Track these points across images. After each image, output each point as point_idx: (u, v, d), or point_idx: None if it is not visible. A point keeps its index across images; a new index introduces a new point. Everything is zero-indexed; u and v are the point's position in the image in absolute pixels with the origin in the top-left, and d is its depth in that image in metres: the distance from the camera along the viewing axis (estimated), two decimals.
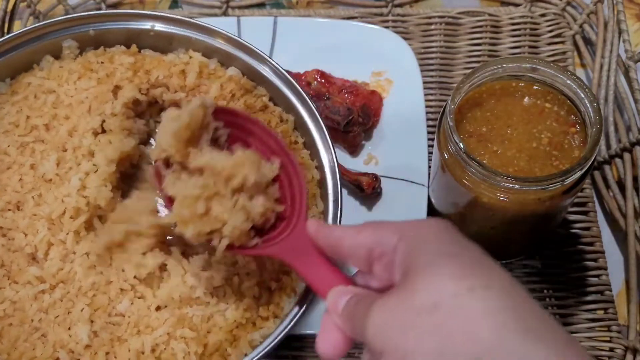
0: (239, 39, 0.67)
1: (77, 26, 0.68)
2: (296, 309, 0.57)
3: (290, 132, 0.67)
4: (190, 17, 0.72)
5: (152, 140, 0.69)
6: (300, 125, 0.67)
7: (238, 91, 0.67)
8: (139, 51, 0.69)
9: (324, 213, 0.62)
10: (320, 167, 0.64)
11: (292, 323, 0.56)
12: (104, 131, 0.64)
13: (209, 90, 0.66)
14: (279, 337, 0.56)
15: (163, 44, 0.69)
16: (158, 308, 0.57)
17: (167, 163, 0.54)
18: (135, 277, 0.58)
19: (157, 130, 0.56)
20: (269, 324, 0.58)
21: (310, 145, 0.66)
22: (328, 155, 0.64)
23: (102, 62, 0.67)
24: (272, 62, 0.66)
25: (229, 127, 0.57)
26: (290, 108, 0.67)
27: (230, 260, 0.58)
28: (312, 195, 0.62)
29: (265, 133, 0.57)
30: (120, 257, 0.58)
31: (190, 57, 0.68)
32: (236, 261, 0.59)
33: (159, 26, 0.69)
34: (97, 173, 0.61)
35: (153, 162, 0.55)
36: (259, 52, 0.67)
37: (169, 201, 0.52)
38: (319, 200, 0.63)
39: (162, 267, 0.58)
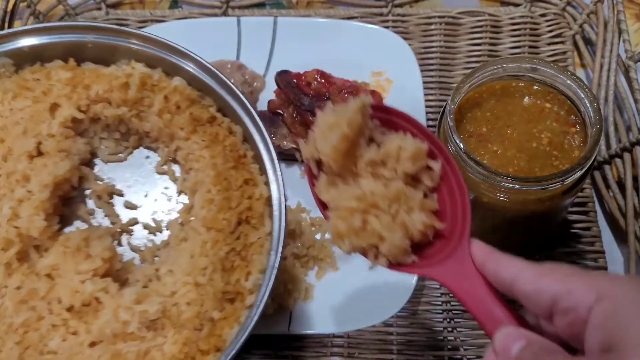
0: (183, 49, 0.64)
1: (10, 42, 0.64)
2: (240, 340, 0.53)
3: (239, 145, 0.63)
4: (137, 28, 0.69)
5: (95, 160, 0.67)
6: (247, 138, 0.64)
7: (184, 102, 0.64)
8: (78, 65, 0.65)
9: (271, 234, 0.59)
10: (268, 184, 0.61)
11: (232, 353, 0.52)
12: (40, 154, 0.61)
13: (152, 102, 0.63)
14: None
15: (105, 56, 0.66)
16: (92, 344, 0.54)
17: (320, 161, 0.48)
18: (68, 309, 0.55)
19: (313, 130, 0.47)
20: (209, 359, 0.54)
21: (258, 159, 0.63)
22: (274, 171, 0.60)
23: (38, 79, 0.63)
24: (217, 72, 0.64)
25: (383, 126, 0.51)
26: (238, 119, 0.64)
27: (168, 289, 0.56)
28: (259, 215, 0.59)
29: (423, 133, 0.49)
30: (61, 277, 0.56)
31: (133, 68, 0.64)
32: (175, 291, 0.56)
33: (97, 38, 0.65)
34: (30, 201, 0.57)
35: (304, 159, 0.50)
36: (203, 61, 0.64)
37: (322, 205, 0.49)
38: (267, 219, 0.59)
39: (98, 300, 0.55)
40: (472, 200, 0.59)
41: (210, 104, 0.65)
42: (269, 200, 0.60)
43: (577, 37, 0.84)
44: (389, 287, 0.67)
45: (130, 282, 0.59)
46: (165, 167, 0.67)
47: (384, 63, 0.80)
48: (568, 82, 0.57)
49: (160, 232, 0.65)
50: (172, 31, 0.84)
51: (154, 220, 0.65)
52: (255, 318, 0.54)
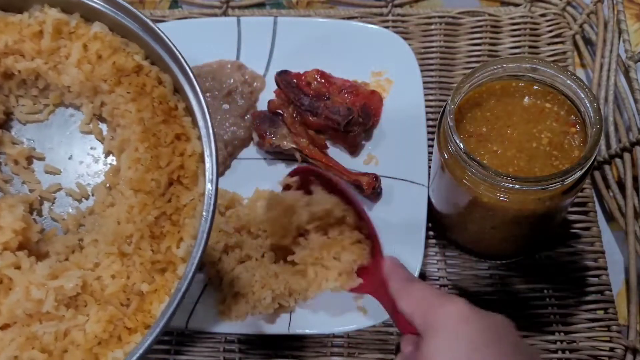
0: None
1: None
2: (165, 315, 0.48)
3: (169, 96, 0.58)
4: None
5: (12, 122, 0.61)
6: (178, 89, 0.58)
7: (105, 51, 0.57)
8: None
9: (204, 195, 0.54)
10: (201, 139, 0.56)
11: (157, 331, 0.48)
12: None
13: (70, 52, 0.57)
14: (141, 351, 0.48)
15: (16, 2, 0.58)
16: (4, 327, 0.49)
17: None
18: None
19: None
20: (136, 337, 0.50)
21: (190, 111, 0.57)
22: (205, 124, 0.55)
23: None
24: (141, 15, 0.57)
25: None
26: (166, 68, 0.58)
27: (90, 261, 0.52)
28: (192, 173, 0.55)
29: (335, 189, 0.64)
30: None
31: (46, 14, 0.57)
32: (98, 263, 0.51)
33: None
34: None
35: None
36: (125, 4, 0.57)
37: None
38: (200, 179, 0.55)
39: (8, 277, 0.51)
40: (472, 201, 0.59)
41: (136, 50, 0.59)
42: (202, 157, 0.55)
43: (577, 37, 0.84)
44: None
45: (51, 255, 0.54)
46: (90, 125, 0.60)
47: (384, 63, 0.80)
48: (568, 82, 0.57)
49: (87, 198, 0.59)
50: (172, 31, 0.83)
51: (79, 185, 0.59)
52: (183, 289, 0.49)
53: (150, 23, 0.57)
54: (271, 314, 0.66)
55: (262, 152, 0.78)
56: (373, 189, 0.71)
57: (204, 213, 0.52)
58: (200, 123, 0.55)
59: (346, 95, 0.76)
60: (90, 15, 0.59)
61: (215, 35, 0.83)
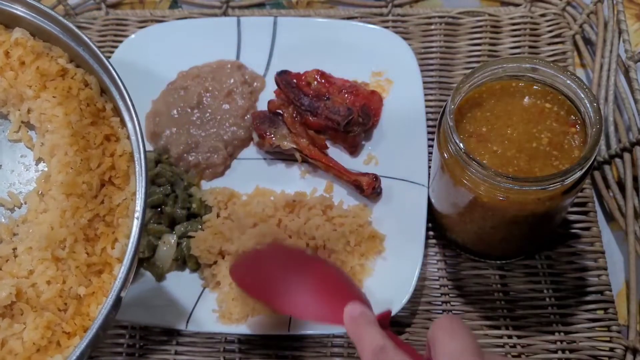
0: None
1: None
2: (102, 315, 0.48)
3: (97, 98, 0.57)
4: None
5: None
6: (105, 90, 0.57)
7: (28, 56, 0.56)
8: None
9: (135, 194, 0.54)
10: (130, 138, 0.56)
11: (93, 333, 0.47)
12: None
13: None
14: (78, 354, 0.47)
15: None
16: None
17: None
18: None
19: None
20: (75, 341, 0.49)
21: (117, 111, 0.57)
22: (132, 123, 0.55)
23: None
24: (61, 19, 0.57)
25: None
26: (91, 70, 0.57)
27: (24, 269, 0.51)
28: (123, 173, 0.55)
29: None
30: None
31: None
32: (32, 270, 0.51)
33: None
34: None
35: None
36: (46, 9, 0.57)
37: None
38: (132, 178, 0.55)
39: None
40: (472, 201, 0.59)
41: (60, 54, 0.58)
42: (132, 156, 0.55)
43: (577, 37, 0.84)
44: (389, 287, 0.67)
45: None
46: (19, 133, 0.59)
47: (384, 63, 0.80)
48: (568, 82, 0.57)
49: (20, 207, 0.58)
50: (172, 31, 0.84)
51: (11, 194, 0.58)
52: (117, 289, 0.48)
53: (71, 26, 0.56)
54: (271, 314, 0.66)
55: (262, 152, 0.78)
56: (373, 189, 0.71)
57: (136, 212, 0.51)
58: (128, 122, 0.55)
59: (346, 95, 0.76)
60: (10, 22, 0.58)
61: (215, 35, 0.83)
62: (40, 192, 0.57)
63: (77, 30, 0.56)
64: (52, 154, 0.56)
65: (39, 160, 0.59)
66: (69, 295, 0.51)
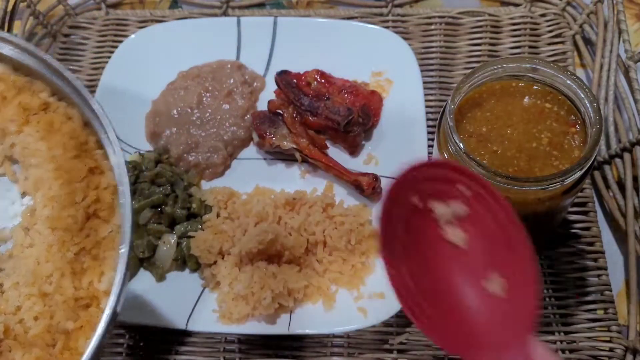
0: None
1: None
2: (90, 348, 0.47)
3: (79, 131, 0.57)
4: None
5: None
6: (88, 122, 0.57)
7: (10, 91, 0.56)
8: None
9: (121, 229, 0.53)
10: (113, 170, 0.55)
11: None
12: None
13: None
14: None
15: None
16: None
17: None
18: None
19: None
20: None
21: (100, 144, 0.56)
22: (116, 156, 0.54)
23: None
24: (41, 54, 0.57)
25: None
26: (73, 103, 0.57)
27: (11, 305, 0.51)
28: (108, 206, 0.54)
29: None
30: None
31: None
32: (19, 306, 0.51)
33: None
34: None
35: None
36: (26, 44, 0.57)
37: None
38: (117, 210, 0.54)
39: None
40: None
41: (42, 88, 0.58)
42: (117, 188, 0.54)
43: (577, 37, 0.84)
44: (389, 287, 0.67)
45: None
46: (3, 167, 0.59)
47: (384, 63, 0.80)
48: (568, 82, 0.57)
49: (5, 242, 0.57)
50: (172, 31, 0.84)
51: None
52: (105, 320, 0.47)
53: (51, 60, 0.56)
54: (271, 314, 0.66)
55: (262, 152, 0.78)
56: (373, 188, 0.71)
57: (121, 246, 0.51)
58: (111, 156, 0.54)
59: (346, 95, 0.76)
60: None
61: (215, 35, 0.83)
62: (25, 227, 0.56)
63: (57, 65, 0.56)
64: (37, 188, 0.56)
65: (24, 194, 0.59)
66: (57, 330, 0.50)
